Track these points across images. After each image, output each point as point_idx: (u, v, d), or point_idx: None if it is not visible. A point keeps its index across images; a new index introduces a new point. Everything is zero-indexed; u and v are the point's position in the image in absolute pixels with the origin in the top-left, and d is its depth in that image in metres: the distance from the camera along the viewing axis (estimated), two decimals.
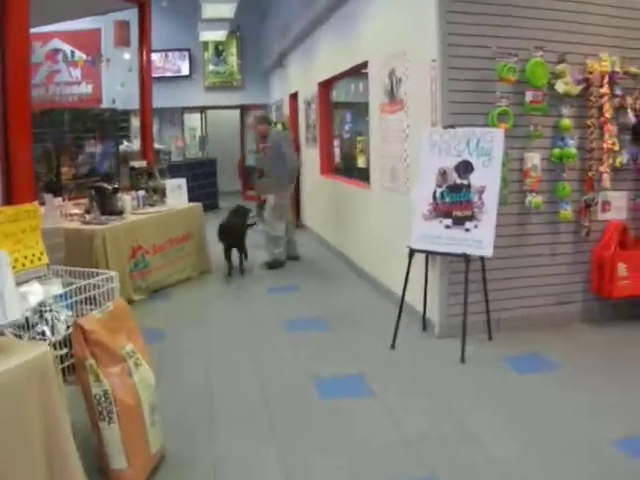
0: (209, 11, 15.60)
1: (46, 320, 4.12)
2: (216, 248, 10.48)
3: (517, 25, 6.71)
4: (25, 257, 4.65)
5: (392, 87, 8.08)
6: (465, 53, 6.57)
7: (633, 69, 7.03)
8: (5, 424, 3.02)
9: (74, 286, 4.50)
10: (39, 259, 4.75)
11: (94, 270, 4.87)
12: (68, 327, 4.16)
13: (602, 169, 6.99)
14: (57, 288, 4.51)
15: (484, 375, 5.92)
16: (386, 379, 5.81)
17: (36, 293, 4.27)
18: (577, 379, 5.76)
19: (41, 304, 4.16)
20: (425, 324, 7.06)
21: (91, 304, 4.54)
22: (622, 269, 7.03)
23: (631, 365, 6.08)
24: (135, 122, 14.86)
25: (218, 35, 19.42)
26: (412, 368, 6.12)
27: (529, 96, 6.70)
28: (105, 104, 19.29)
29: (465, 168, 6.35)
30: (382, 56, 8.45)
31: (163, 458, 4.38)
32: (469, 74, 6.60)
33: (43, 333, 4.04)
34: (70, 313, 4.35)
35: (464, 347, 6.20)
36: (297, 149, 13.81)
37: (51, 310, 4.17)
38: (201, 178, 17.21)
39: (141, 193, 10.00)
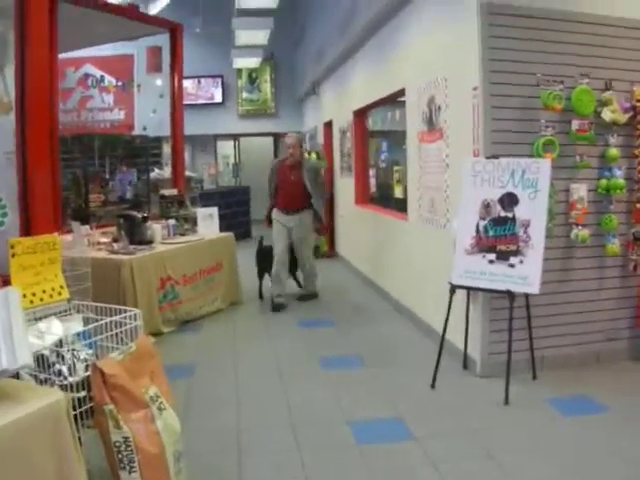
0: (242, 38, 15.55)
1: (64, 360, 3.90)
2: (247, 278, 10.36)
3: (562, 51, 6.49)
4: (44, 291, 4.49)
5: (431, 115, 7.88)
6: (508, 80, 6.37)
7: None
8: (16, 474, 2.86)
9: (96, 324, 4.29)
10: (59, 293, 4.59)
11: (118, 307, 4.64)
12: (88, 367, 3.94)
13: None
14: (77, 325, 4.33)
15: (529, 418, 5.64)
16: (426, 422, 5.56)
17: (54, 330, 4.07)
18: (626, 423, 5.46)
19: (60, 342, 3.95)
20: (466, 362, 6.81)
21: (115, 342, 4.31)
22: None
23: None
24: (167, 149, 14.80)
25: (252, 62, 19.37)
26: (454, 410, 5.86)
27: (575, 125, 6.45)
28: (137, 130, 19.27)
29: (510, 200, 6.09)
30: (420, 83, 8.25)
31: None
32: (512, 102, 6.39)
33: (60, 373, 3.83)
34: (91, 352, 4.14)
35: (508, 387, 5.92)
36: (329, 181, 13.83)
37: (70, 349, 3.96)
38: (234, 206, 17.11)
39: (171, 222, 9.85)
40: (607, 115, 6.53)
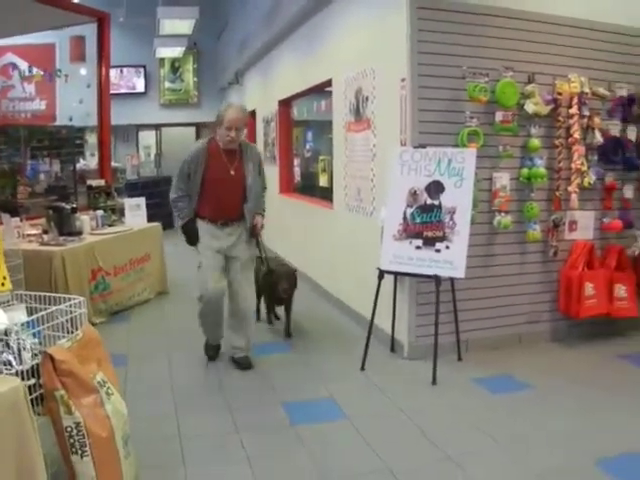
0: (167, 27, 15.46)
1: (11, 349, 3.96)
2: (172, 268, 10.44)
3: (487, 45, 6.74)
4: None
5: (358, 106, 8.05)
6: (435, 72, 6.57)
7: (601, 90, 7.11)
8: None
9: (41, 313, 4.31)
10: (2, 284, 4.58)
11: (60, 295, 4.68)
12: (35, 356, 4.01)
13: (570, 189, 7.05)
14: (22, 315, 4.34)
15: (456, 397, 5.89)
16: (358, 402, 5.74)
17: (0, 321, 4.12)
18: (548, 400, 5.78)
19: (6, 332, 4.00)
20: (394, 346, 7.02)
21: (58, 331, 4.34)
22: (589, 289, 7.09)
23: (598, 385, 6.14)
24: (90, 139, 14.74)
25: (175, 51, 19.17)
26: (384, 390, 6.05)
27: (499, 116, 6.73)
28: (59, 121, 19.05)
29: (436, 188, 6.31)
30: (348, 74, 8.41)
31: None
32: (439, 94, 6.60)
33: (9, 363, 3.89)
34: (36, 340, 4.18)
35: (435, 368, 6.16)
36: None
37: (17, 339, 4.02)
38: (157, 197, 16.99)
39: (99, 213, 9.79)
40: (530, 107, 6.79)
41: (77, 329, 4.25)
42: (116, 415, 3.93)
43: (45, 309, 4.37)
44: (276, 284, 7.55)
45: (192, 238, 6.57)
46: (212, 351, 6.98)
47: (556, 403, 5.70)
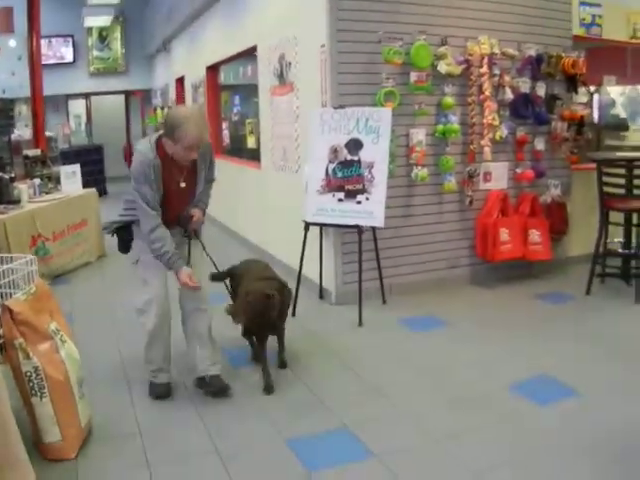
0: None
1: None
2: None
3: (402, 11, 7.17)
4: None
5: (282, 71, 8.42)
6: (353, 38, 6.97)
7: (510, 50, 7.63)
8: None
9: None
10: None
11: (11, 255, 4.98)
12: None
13: (483, 143, 7.54)
14: None
15: (381, 335, 6.40)
16: (289, 345, 5.88)
17: None
18: (465, 334, 6.35)
19: None
20: (322, 293, 7.48)
21: (11, 288, 4.67)
22: (504, 235, 7.62)
23: (512, 320, 6.75)
24: (22, 111, 14.78)
25: (102, 20, 19.31)
26: (314, 333, 6.50)
27: (413, 77, 7.17)
28: None
29: (355, 145, 6.75)
30: (272, 41, 8.75)
31: (91, 430, 4.57)
32: (357, 57, 7.01)
33: None
34: None
35: (361, 311, 6.64)
36: None
37: None
38: (89, 165, 16.96)
39: (36, 181, 9.98)
40: (443, 68, 7.26)
41: (29, 285, 4.56)
42: (70, 360, 4.29)
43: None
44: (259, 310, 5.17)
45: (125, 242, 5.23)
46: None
47: (472, 337, 6.26)
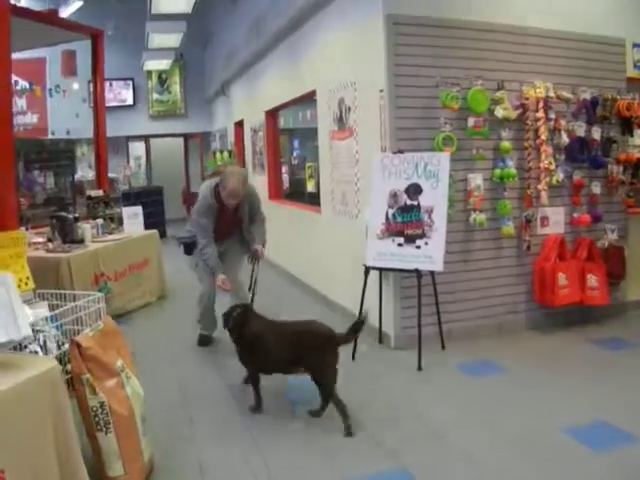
0: (155, 41, 15.72)
1: (37, 340, 4.38)
2: (169, 272, 10.89)
3: (459, 56, 7.24)
4: None
5: (341, 115, 8.51)
6: (411, 83, 7.05)
7: (565, 94, 7.62)
8: (23, 431, 3.34)
9: (64, 308, 4.78)
10: (26, 284, 4.97)
11: (79, 292, 5.12)
12: (59, 346, 4.46)
13: (540, 187, 7.52)
14: (45, 310, 4.76)
15: (439, 379, 6.38)
16: (349, 386, 5.81)
17: (27, 315, 4.52)
18: (522, 379, 6.29)
19: (32, 325, 4.42)
20: (381, 337, 7.47)
21: (79, 324, 4.80)
22: (562, 279, 7.55)
23: (570, 366, 6.67)
24: (84, 152, 14.94)
25: (162, 64, 19.65)
26: (373, 376, 6.52)
27: (471, 122, 7.22)
28: (51, 134, 19.25)
29: (415, 190, 6.82)
30: (331, 85, 8.85)
31: (153, 467, 4.65)
32: (415, 102, 7.09)
33: (36, 352, 4.28)
34: (59, 333, 4.61)
35: (420, 356, 6.63)
36: None
37: (42, 331, 4.45)
38: (149, 206, 17.13)
39: (99, 221, 10.14)
40: (499, 112, 7.30)
41: (96, 322, 4.69)
42: (135, 396, 4.39)
43: (66, 305, 4.84)
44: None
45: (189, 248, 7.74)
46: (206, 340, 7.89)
47: (529, 382, 6.20)
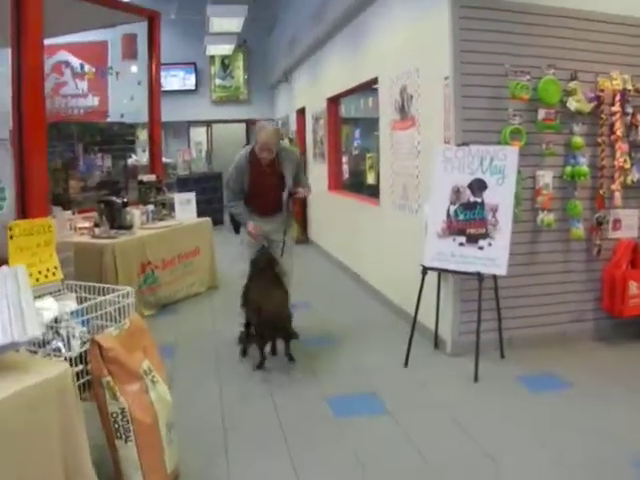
0: (216, 25, 15.57)
1: (61, 336, 4.11)
2: (223, 263, 10.57)
3: (530, 43, 6.76)
4: (39, 272, 4.65)
5: (403, 104, 8.12)
6: (478, 71, 6.62)
7: None
8: (25, 438, 3.08)
9: (90, 302, 4.50)
10: (53, 274, 4.76)
11: (109, 286, 4.85)
12: (83, 344, 4.16)
13: (613, 187, 7.02)
14: (72, 304, 4.51)
15: (497, 393, 5.93)
16: (400, 397, 5.80)
17: (51, 309, 4.24)
18: (587, 399, 5.75)
19: (56, 320, 4.15)
20: (437, 342, 7.08)
21: (106, 320, 4.53)
22: (633, 288, 7.04)
23: (638, 383, 6.11)
24: (141, 136, 14.86)
25: (225, 49, 19.49)
26: (426, 385, 6.13)
27: (541, 114, 6.74)
28: (112, 117, 19.14)
29: (479, 186, 6.36)
30: (393, 73, 8.49)
31: (178, 478, 4.35)
32: (482, 91, 6.65)
33: (58, 350, 4.03)
34: (85, 329, 4.34)
35: (477, 365, 6.21)
36: None
37: (66, 326, 4.16)
38: (208, 192, 17.10)
39: (150, 207, 9.99)
40: (572, 105, 6.79)
41: (125, 318, 4.42)
42: (160, 402, 4.07)
43: (94, 299, 4.56)
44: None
45: (236, 223, 7.50)
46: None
47: (595, 401, 5.69)
